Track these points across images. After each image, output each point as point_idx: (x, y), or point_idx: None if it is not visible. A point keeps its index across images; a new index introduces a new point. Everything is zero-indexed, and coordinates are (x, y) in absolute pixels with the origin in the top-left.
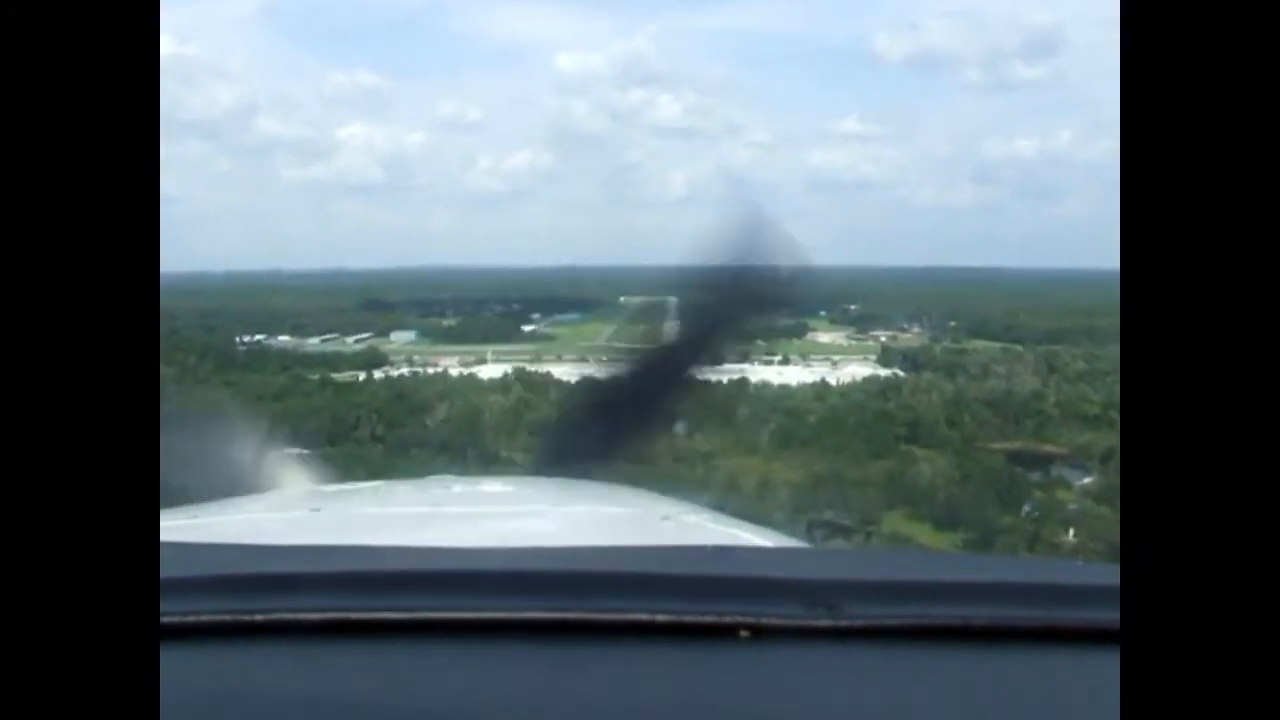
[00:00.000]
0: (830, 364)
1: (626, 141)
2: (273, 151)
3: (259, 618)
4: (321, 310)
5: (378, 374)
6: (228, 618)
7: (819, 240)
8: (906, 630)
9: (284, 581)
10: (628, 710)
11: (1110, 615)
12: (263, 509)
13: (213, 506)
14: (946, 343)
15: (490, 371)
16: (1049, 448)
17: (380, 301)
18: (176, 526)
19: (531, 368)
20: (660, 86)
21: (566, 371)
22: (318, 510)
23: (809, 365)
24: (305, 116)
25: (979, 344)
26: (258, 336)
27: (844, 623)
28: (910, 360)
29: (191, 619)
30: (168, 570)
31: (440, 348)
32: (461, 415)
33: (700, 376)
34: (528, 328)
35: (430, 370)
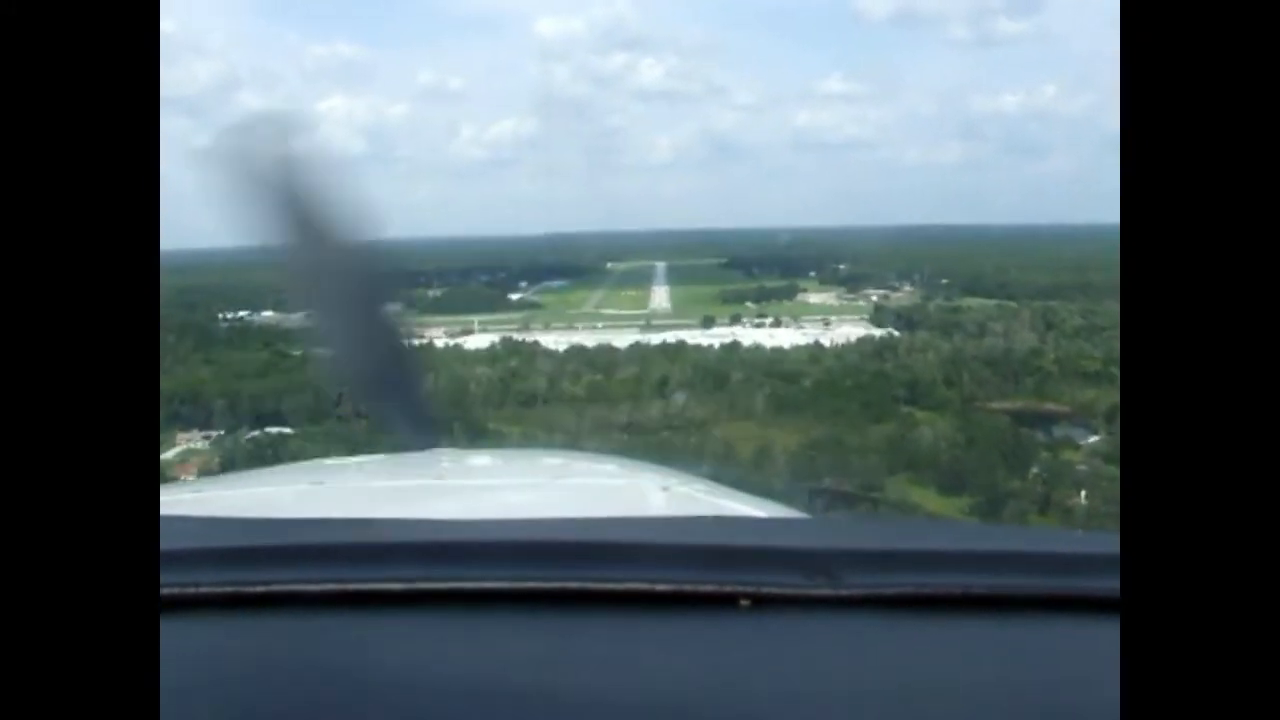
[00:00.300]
0: (823, 325)
1: (609, 106)
2: (253, 127)
3: (259, 589)
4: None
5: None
6: (228, 589)
7: (806, 201)
8: (906, 599)
9: (284, 553)
10: (629, 679)
11: (1110, 584)
12: (264, 482)
13: (214, 480)
14: (939, 301)
15: (477, 342)
16: (1050, 406)
17: None
18: (177, 500)
19: (519, 336)
20: (642, 50)
21: (555, 339)
22: (320, 483)
23: (801, 327)
24: (286, 90)
25: (973, 301)
26: (240, 313)
27: (843, 591)
28: (904, 319)
29: (192, 591)
30: (168, 542)
31: (426, 319)
32: (448, 388)
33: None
34: (515, 296)
35: (416, 342)
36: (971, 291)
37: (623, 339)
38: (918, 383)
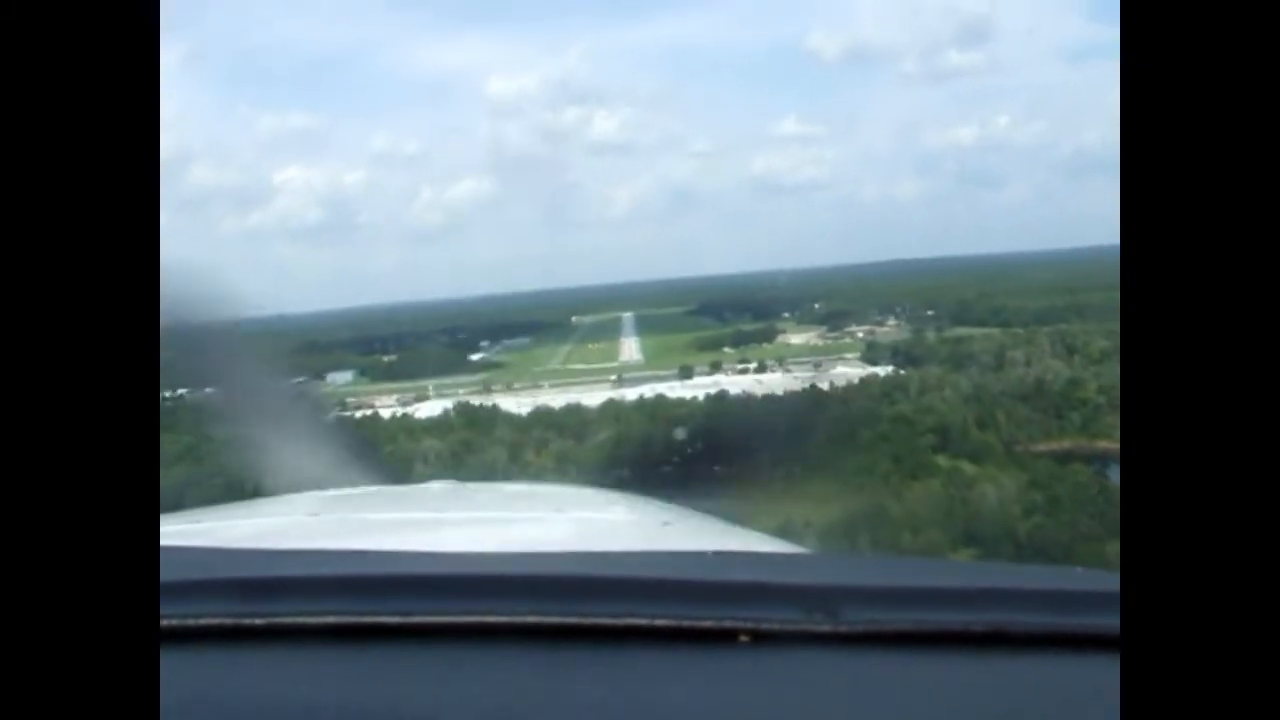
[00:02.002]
0: (813, 367)
1: (565, 161)
2: (209, 201)
3: (259, 621)
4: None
5: None
6: (228, 621)
7: (768, 244)
8: (906, 635)
9: (284, 586)
10: (628, 715)
11: (1110, 621)
12: (263, 514)
13: (213, 511)
14: (931, 333)
15: (430, 409)
16: (1106, 444)
17: (318, 343)
18: (177, 531)
19: (478, 401)
20: (595, 103)
21: (519, 401)
22: (316, 515)
23: (789, 370)
24: (240, 162)
25: (974, 331)
26: (180, 391)
27: (843, 628)
28: (903, 355)
29: (192, 622)
30: (168, 574)
31: (379, 386)
32: (387, 468)
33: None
34: (476, 356)
35: (360, 414)
36: (961, 321)
37: (594, 396)
38: (947, 427)
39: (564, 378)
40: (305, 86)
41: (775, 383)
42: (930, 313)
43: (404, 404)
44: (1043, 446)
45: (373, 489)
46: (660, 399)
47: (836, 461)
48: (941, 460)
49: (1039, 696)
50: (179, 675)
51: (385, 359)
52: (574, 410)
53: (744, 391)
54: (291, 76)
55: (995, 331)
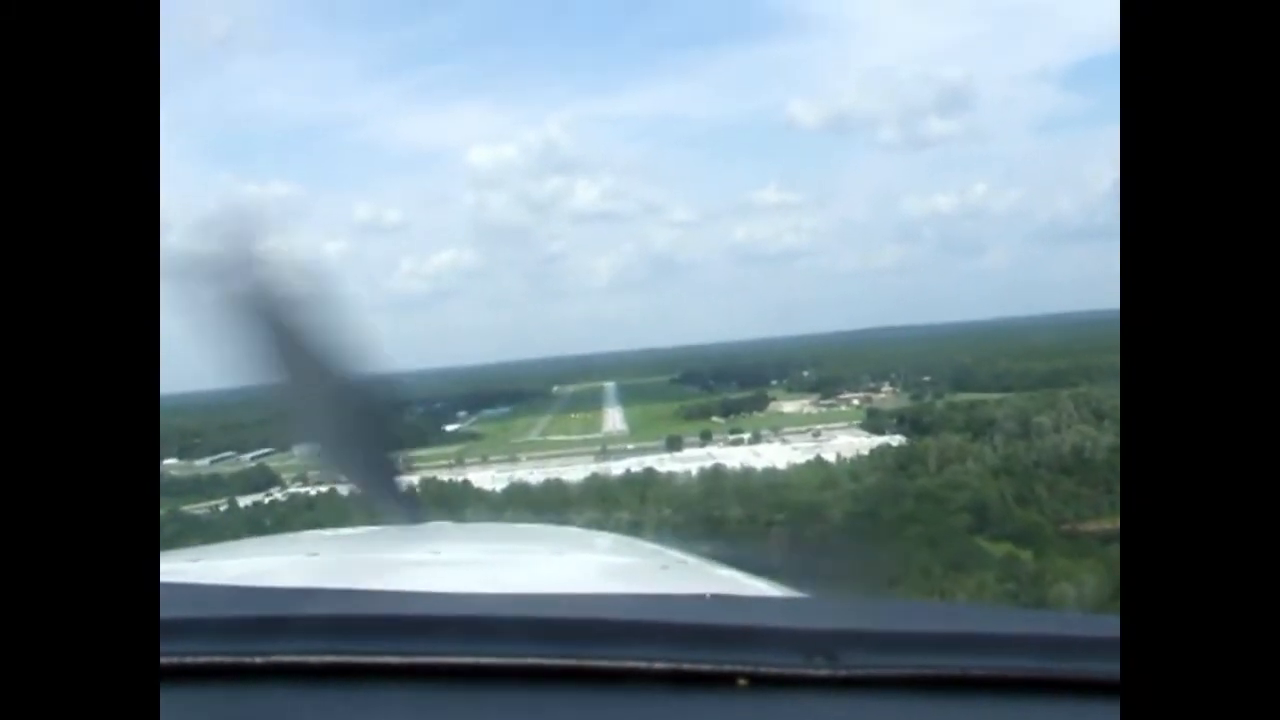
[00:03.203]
0: (812, 436)
1: (548, 231)
2: (190, 269)
3: (258, 660)
4: (222, 428)
5: (248, 500)
6: (227, 659)
7: (750, 313)
8: (905, 680)
9: (283, 624)
10: None
11: (1110, 667)
12: (262, 553)
13: (212, 549)
14: (932, 398)
15: None
16: None
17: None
18: (177, 569)
19: (448, 476)
20: (577, 172)
21: (494, 476)
22: (316, 555)
23: (786, 441)
24: (220, 232)
25: (987, 396)
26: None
27: (842, 672)
28: (909, 422)
29: (191, 660)
30: (168, 611)
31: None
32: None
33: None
34: (451, 427)
35: (315, 491)
36: (963, 386)
37: (575, 471)
38: (984, 504)
39: (544, 449)
40: (287, 157)
41: (774, 455)
42: (927, 378)
43: None
44: (1094, 526)
45: (372, 529)
46: (649, 473)
47: (862, 549)
48: (985, 544)
49: None
50: (179, 713)
51: None
52: (554, 487)
53: (741, 465)
54: (273, 147)
55: (1010, 396)
